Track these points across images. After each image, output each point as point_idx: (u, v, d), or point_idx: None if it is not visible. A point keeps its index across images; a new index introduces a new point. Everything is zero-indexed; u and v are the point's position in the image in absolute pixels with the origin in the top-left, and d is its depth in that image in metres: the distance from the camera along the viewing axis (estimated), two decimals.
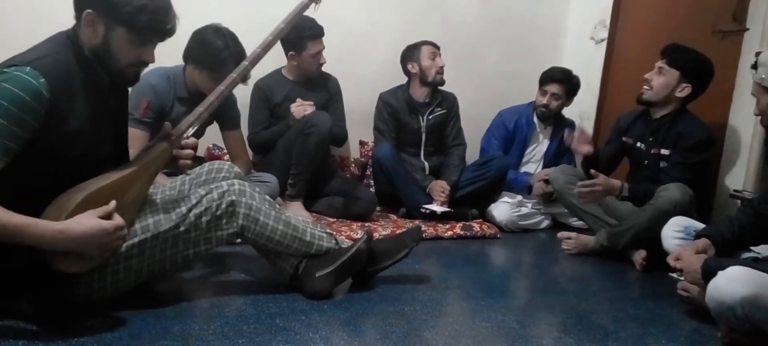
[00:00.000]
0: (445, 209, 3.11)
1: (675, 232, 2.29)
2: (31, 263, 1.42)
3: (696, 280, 1.91)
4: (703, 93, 2.67)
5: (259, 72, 2.97)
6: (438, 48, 3.36)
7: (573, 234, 2.87)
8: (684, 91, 2.63)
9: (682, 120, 2.66)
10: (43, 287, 1.49)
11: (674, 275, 2.18)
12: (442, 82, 3.36)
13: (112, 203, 1.47)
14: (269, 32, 1.91)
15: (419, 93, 3.38)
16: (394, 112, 3.34)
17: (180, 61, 2.52)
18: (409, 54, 3.37)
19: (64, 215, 1.41)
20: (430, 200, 3.18)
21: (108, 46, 1.53)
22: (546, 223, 3.37)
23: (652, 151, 2.73)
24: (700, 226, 2.25)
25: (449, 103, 3.45)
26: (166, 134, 1.70)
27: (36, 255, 1.41)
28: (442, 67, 3.32)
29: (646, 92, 2.69)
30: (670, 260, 2.06)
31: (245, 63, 1.88)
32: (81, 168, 1.53)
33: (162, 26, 1.55)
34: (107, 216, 1.45)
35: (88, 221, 1.41)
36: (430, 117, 3.40)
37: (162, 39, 1.59)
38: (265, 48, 1.90)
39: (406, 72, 3.39)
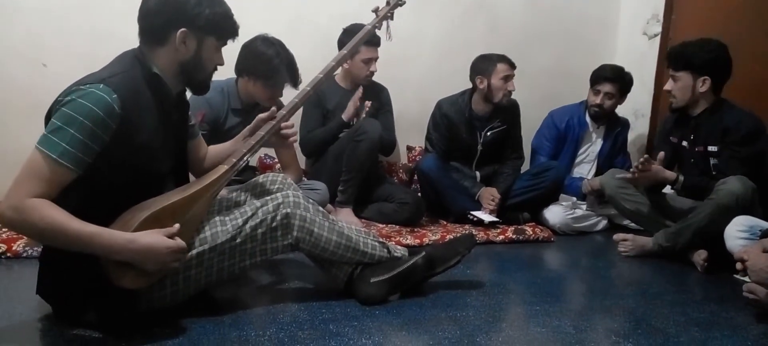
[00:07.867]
0: (493, 218, 3.04)
1: (739, 231, 2.21)
2: (98, 276, 1.49)
3: (763, 280, 1.85)
4: (730, 73, 2.59)
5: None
6: (514, 68, 3.15)
7: (630, 236, 2.80)
8: (705, 84, 2.58)
9: (726, 114, 2.59)
10: (109, 298, 1.56)
11: (739, 276, 2.09)
12: (508, 104, 3.22)
13: (177, 226, 1.54)
14: (331, 58, 2.02)
15: (480, 107, 3.24)
16: (452, 126, 3.24)
17: (230, 75, 2.61)
18: (482, 67, 3.16)
19: (129, 231, 1.48)
20: (479, 207, 3.13)
21: (199, 58, 1.66)
22: (602, 225, 3.28)
23: (697, 149, 2.66)
24: (766, 225, 2.16)
25: (510, 114, 3.30)
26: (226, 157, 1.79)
27: (101, 269, 1.48)
28: (511, 92, 3.16)
29: (673, 101, 2.68)
30: (738, 265, 1.98)
31: (307, 89, 1.94)
32: (144, 180, 1.60)
33: (237, 27, 1.71)
34: (171, 236, 1.53)
35: (154, 236, 1.49)
36: (489, 134, 3.27)
37: (234, 39, 1.74)
38: (327, 74, 1.99)
39: (473, 82, 3.22)
